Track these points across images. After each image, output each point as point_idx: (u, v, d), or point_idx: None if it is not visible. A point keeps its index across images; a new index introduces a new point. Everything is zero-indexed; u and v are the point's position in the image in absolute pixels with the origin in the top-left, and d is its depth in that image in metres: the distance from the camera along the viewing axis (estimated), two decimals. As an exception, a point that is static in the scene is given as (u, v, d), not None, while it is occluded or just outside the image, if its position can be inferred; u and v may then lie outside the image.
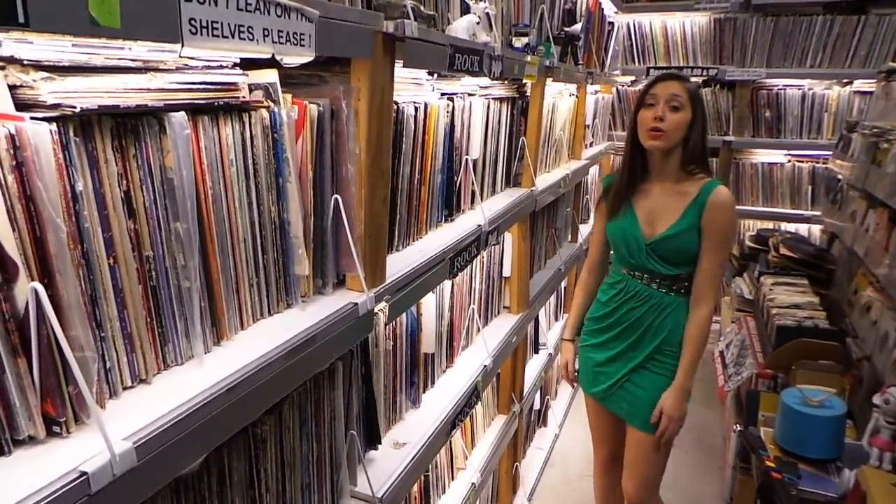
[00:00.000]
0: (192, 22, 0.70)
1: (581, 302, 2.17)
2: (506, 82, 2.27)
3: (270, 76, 1.02)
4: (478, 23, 1.60)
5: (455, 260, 1.65)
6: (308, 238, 1.13)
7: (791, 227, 4.69)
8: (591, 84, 3.57)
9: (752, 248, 3.81)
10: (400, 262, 1.45)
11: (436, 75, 1.78)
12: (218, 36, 0.74)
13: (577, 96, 3.48)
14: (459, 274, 1.76)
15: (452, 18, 1.66)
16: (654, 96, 1.82)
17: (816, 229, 4.65)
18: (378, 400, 1.58)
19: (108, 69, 0.75)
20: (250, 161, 0.99)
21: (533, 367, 3.00)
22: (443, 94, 1.72)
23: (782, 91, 4.61)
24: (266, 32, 0.83)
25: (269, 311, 1.10)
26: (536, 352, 3.20)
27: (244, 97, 0.96)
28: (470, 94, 1.93)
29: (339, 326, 1.11)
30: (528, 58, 2.07)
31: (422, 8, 1.29)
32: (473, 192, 2.04)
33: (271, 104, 1.03)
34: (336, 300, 1.19)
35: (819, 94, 4.54)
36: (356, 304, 1.17)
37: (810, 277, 3.30)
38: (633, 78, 5.00)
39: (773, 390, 2.67)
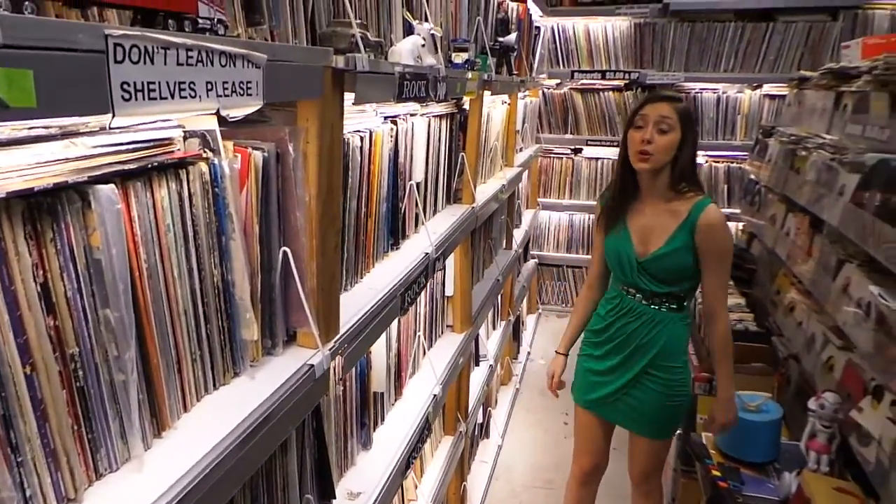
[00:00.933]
0: (125, 87, 0.58)
1: (581, 317, 2.18)
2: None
3: (208, 122, 0.89)
4: (423, 45, 1.51)
5: (406, 295, 1.56)
6: (255, 298, 1.02)
7: (710, 224, 4.88)
8: (522, 91, 3.56)
9: (678, 249, 3.92)
10: (351, 306, 1.35)
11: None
12: (155, 98, 0.62)
13: (509, 104, 3.45)
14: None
15: (395, 39, 1.56)
16: (643, 118, 1.81)
17: (733, 226, 4.88)
18: (329, 449, 1.47)
19: (18, 141, 0.61)
20: (189, 223, 0.86)
21: (475, 381, 2.96)
22: (386, 118, 1.62)
23: (699, 94, 4.78)
24: (210, 86, 0.71)
25: (215, 385, 0.97)
26: (477, 364, 3.16)
27: (180, 151, 0.83)
28: (412, 115, 1.84)
29: (295, 395, 1.00)
30: (469, 74, 2.00)
31: (369, 36, 1.19)
32: (417, 215, 1.95)
33: (210, 154, 0.91)
34: (288, 362, 1.08)
35: (732, 97, 4.74)
36: (312, 365, 1.06)
37: (734, 277, 3.43)
38: (558, 81, 5.05)
39: (708, 393, 2.75)
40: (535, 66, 4.25)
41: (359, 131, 1.43)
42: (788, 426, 2.45)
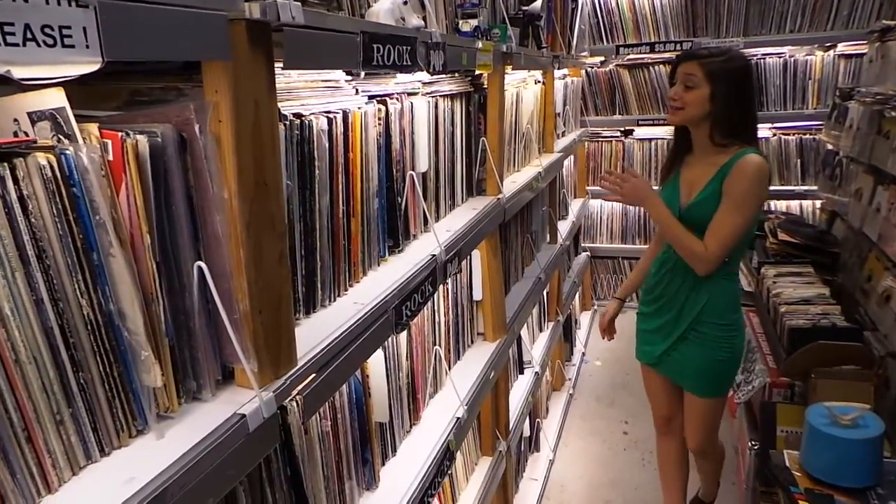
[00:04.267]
0: None
1: (641, 267, 2.28)
2: (456, 75, 1.91)
3: (53, 98, 0.65)
4: (405, 2, 1.24)
5: (403, 308, 1.29)
6: (157, 331, 0.77)
7: (782, 204, 4.40)
8: (559, 69, 3.22)
9: (746, 233, 3.49)
10: (323, 327, 1.09)
11: (363, 73, 1.42)
12: None
13: (543, 83, 3.13)
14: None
15: (374, 0, 1.30)
16: (675, 76, 1.93)
17: (808, 205, 4.37)
18: (318, 497, 1.22)
19: None
20: (26, 238, 0.62)
21: (518, 392, 2.67)
22: (371, 98, 1.36)
23: (762, 60, 4.30)
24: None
25: (104, 450, 0.73)
26: (521, 372, 2.86)
27: (-1, 138, 0.59)
28: (410, 94, 1.57)
29: (215, 457, 0.75)
30: (480, 44, 1.71)
31: (314, -16, 0.93)
32: (426, 212, 1.68)
33: (65, 142, 0.66)
34: (216, 410, 0.83)
35: (801, 60, 4.24)
36: (244, 415, 0.81)
37: (814, 263, 2.99)
38: (602, 58, 4.67)
39: (790, 401, 2.36)
40: (575, 42, 3.90)
41: (328, 112, 1.17)
42: (890, 439, 2.04)
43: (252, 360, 0.84)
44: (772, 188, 4.40)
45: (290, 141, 1.04)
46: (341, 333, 1.08)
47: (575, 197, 4.41)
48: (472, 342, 2.20)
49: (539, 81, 3.08)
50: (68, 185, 0.66)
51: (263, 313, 0.87)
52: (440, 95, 1.76)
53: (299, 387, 0.95)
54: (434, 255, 1.49)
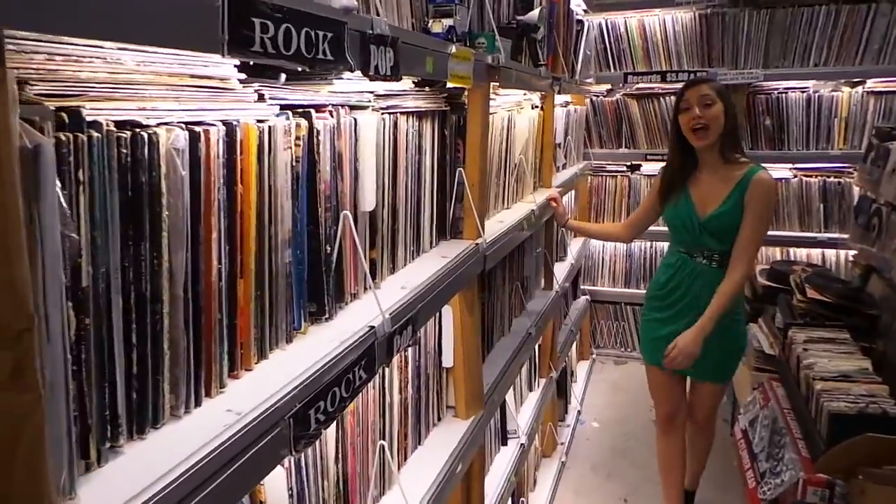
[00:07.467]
0: None
1: (605, 228, 2.80)
2: (428, 89, 1.52)
3: None
4: (329, -27, 0.85)
5: (310, 413, 0.88)
6: None
7: (802, 252, 4.00)
8: (560, 93, 2.85)
9: (767, 286, 3.08)
10: (154, 463, 0.68)
11: (283, 76, 1.03)
12: None
13: (541, 108, 2.76)
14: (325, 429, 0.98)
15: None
16: (686, 101, 2.11)
17: (832, 254, 3.97)
18: None
19: None
20: None
21: (499, 469, 2.23)
22: (285, 108, 0.96)
23: (783, 95, 3.94)
24: None
25: None
26: (504, 443, 2.42)
27: None
28: (354, 108, 1.17)
29: None
30: (452, 48, 1.32)
31: None
32: (375, 263, 1.28)
33: None
34: None
35: (826, 96, 3.88)
36: None
37: (848, 326, 2.57)
38: (608, 87, 4.31)
39: (829, 502, 1.93)
40: (580, 68, 3.54)
41: (198, 123, 0.77)
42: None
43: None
44: (792, 234, 4.02)
45: (105, 164, 0.64)
46: (182, 473, 0.66)
47: (575, 236, 4.01)
48: (440, 419, 1.78)
49: (536, 106, 2.71)
50: None
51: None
52: (402, 112, 1.36)
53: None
54: (373, 327, 1.08)
